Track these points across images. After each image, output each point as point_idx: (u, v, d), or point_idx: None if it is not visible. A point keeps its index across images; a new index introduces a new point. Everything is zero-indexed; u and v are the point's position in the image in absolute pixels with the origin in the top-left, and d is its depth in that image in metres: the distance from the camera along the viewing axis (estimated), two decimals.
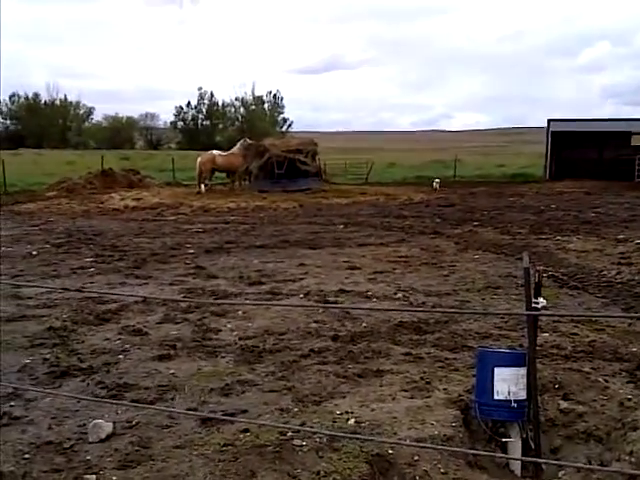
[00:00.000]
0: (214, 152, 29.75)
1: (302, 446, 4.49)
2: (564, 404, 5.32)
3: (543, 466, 4.73)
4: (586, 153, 37.90)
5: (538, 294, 4.66)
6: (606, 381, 5.62)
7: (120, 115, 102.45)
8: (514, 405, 4.72)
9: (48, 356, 6.56)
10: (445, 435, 4.75)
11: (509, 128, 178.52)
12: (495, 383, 4.74)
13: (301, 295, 9.14)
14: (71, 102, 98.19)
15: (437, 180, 31.79)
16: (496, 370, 4.75)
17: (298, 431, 4.64)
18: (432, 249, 13.03)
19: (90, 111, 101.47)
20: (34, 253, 12.89)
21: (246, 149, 28.94)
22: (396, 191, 28.12)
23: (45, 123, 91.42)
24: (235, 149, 29.23)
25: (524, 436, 4.85)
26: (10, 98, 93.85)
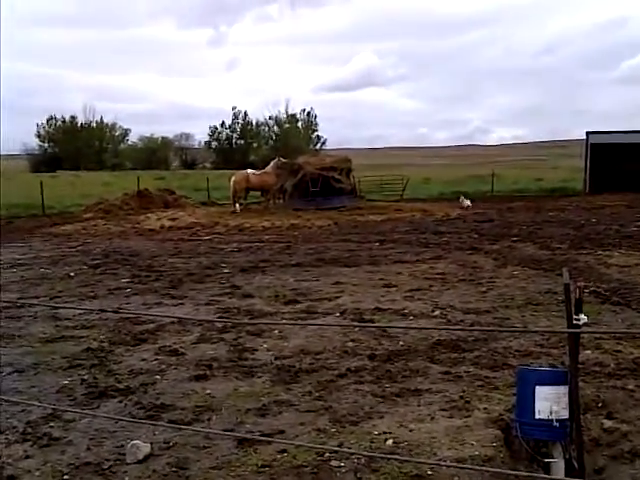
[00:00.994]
0: (248, 171, 29.89)
1: (340, 467, 4.44)
2: (608, 423, 5.19)
3: None
4: (626, 165, 37.25)
5: (579, 310, 4.55)
6: None
7: (155, 136, 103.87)
8: (556, 424, 4.60)
9: (86, 377, 6.61)
10: (486, 455, 4.66)
11: (547, 141, 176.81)
12: (536, 402, 4.63)
13: (337, 314, 9.09)
14: (107, 124, 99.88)
15: (464, 199, 29.61)
16: (537, 389, 4.64)
17: (336, 452, 4.59)
18: (470, 265, 12.90)
19: (126, 133, 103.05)
20: (72, 274, 13.05)
21: (279, 168, 29.03)
22: (432, 207, 27.94)
23: (82, 145, 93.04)
24: (268, 168, 29.35)
25: (567, 456, 4.73)
26: (48, 121, 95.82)
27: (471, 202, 29.27)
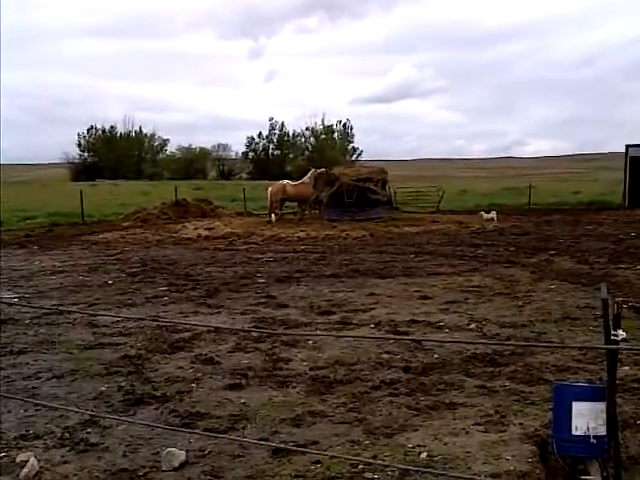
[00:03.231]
0: (284, 182, 30.05)
1: (374, 479, 4.44)
2: None
3: None
4: None
5: (617, 326, 4.50)
6: None
7: (193, 146, 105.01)
8: (593, 441, 4.53)
9: (123, 384, 6.69)
10: (521, 471, 4.61)
11: (586, 154, 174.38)
12: (573, 418, 4.57)
13: (372, 325, 9.08)
14: (146, 134, 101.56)
15: (484, 213, 26.56)
16: (574, 405, 4.58)
17: (370, 464, 4.59)
18: (506, 278, 12.78)
19: (164, 142, 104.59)
20: (110, 282, 13.24)
21: (316, 179, 29.14)
22: (468, 219, 27.75)
23: (121, 155, 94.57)
24: (305, 178, 29.45)
25: (604, 474, 4.66)
26: (88, 131, 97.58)
27: (496, 215, 26.26)
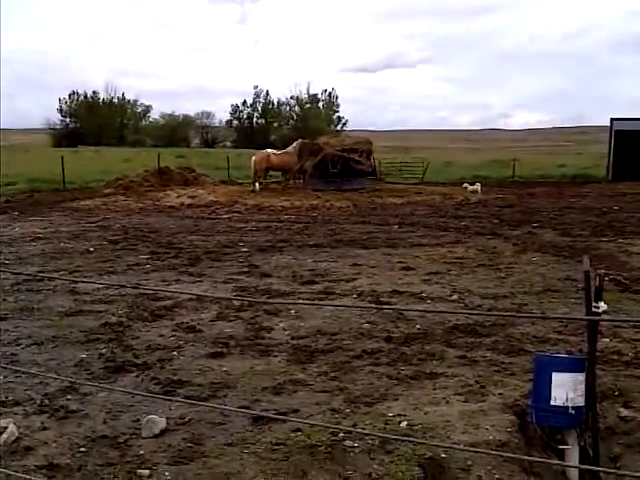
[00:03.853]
0: (268, 151, 29.87)
1: (354, 447, 4.45)
2: (624, 412, 5.16)
3: (601, 475, 4.59)
4: None
5: (599, 298, 4.52)
6: None
7: (177, 113, 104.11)
8: (572, 412, 4.58)
9: (104, 351, 6.66)
10: (500, 440, 4.65)
11: (571, 127, 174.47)
12: (553, 389, 4.61)
13: (354, 295, 9.08)
14: (129, 100, 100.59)
15: (470, 185, 27.04)
16: (554, 375, 4.62)
17: (350, 432, 4.60)
18: (489, 250, 12.82)
19: (147, 109, 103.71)
20: (91, 249, 13.14)
21: (300, 149, 28.97)
22: (452, 191, 27.77)
23: (103, 121, 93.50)
24: (290, 148, 29.29)
25: (582, 444, 4.72)
26: (69, 97, 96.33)
27: (481, 187, 26.77)
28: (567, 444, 4.73)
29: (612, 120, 38.00)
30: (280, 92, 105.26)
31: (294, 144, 29.37)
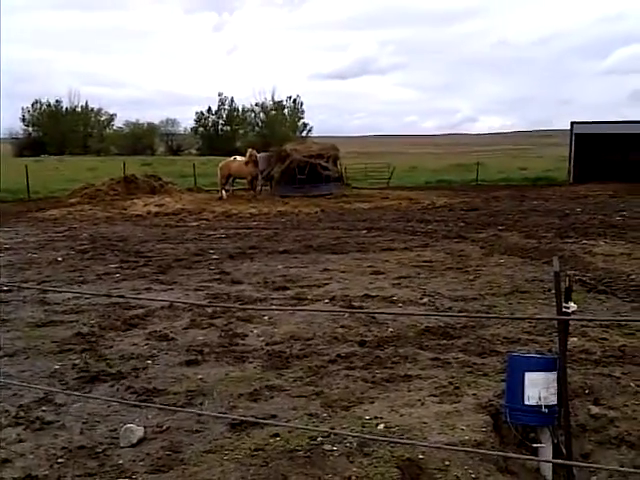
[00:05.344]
0: (236, 158, 29.79)
1: (333, 451, 4.50)
2: (595, 409, 5.28)
3: (574, 471, 4.70)
4: (610, 156, 37.50)
5: (569, 299, 4.63)
6: (638, 386, 5.57)
7: (141, 122, 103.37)
8: (545, 410, 4.68)
9: (77, 361, 6.62)
10: (475, 440, 4.73)
11: (534, 131, 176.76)
12: (526, 388, 4.71)
13: (326, 300, 9.14)
14: (92, 109, 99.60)
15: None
16: (527, 375, 4.72)
17: (328, 435, 4.65)
18: (457, 253, 12.97)
19: (112, 118, 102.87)
20: (59, 259, 13.00)
21: (250, 156, 28.69)
22: (418, 195, 28.01)
23: (66, 130, 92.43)
24: (244, 158, 29.12)
25: (555, 441, 4.82)
26: (32, 105, 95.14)
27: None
28: (541, 442, 4.83)
29: (572, 124, 38.63)
30: (247, 100, 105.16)
31: (247, 153, 29.21)
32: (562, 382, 4.70)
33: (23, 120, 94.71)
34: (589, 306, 8.52)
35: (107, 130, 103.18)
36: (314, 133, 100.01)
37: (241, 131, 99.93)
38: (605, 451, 4.97)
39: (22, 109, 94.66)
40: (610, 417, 5.15)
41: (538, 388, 4.67)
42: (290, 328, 7.68)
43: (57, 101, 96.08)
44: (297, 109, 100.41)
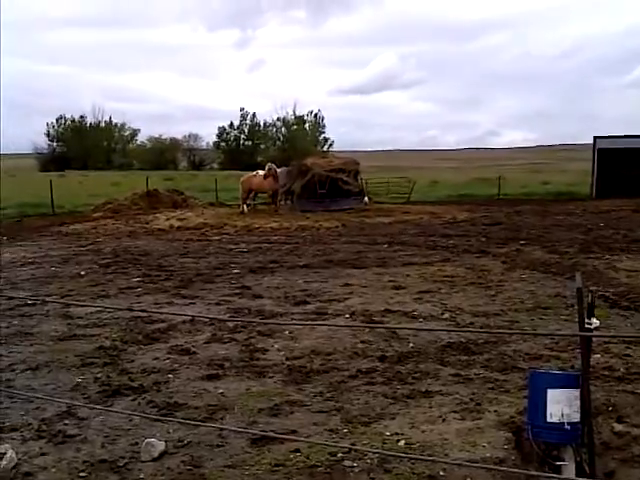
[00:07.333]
0: (258, 172, 29.93)
1: (353, 467, 4.49)
2: (618, 427, 5.22)
3: None
4: (633, 170, 37.15)
5: (591, 314, 4.59)
6: None
7: (164, 137, 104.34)
8: (567, 427, 4.63)
9: (99, 375, 6.67)
10: (497, 457, 4.71)
11: (556, 145, 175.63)
12: (548, 405, 4.66)
13: (347, 315, 9.13)
14: (116, 124, 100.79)
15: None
16: (549, 392, 4.67)
17: (349, 452, 4.64)
18: (478, 268, 12.91)
19: (135, 133, 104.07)
20: (82, 273, 13.13)
21: (269, 170, 28.83)
22: (440, 210, 27.93)
23: (90, 145, 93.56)
24: (263, 172, 29.25)
25: (578, 459, 4.76)
26: (57, 121, 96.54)
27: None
28: (563, 460, 4.77)
29: (595, 138, 38.38)
30: (269, 114, 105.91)
31: (266, 167, 29.36)
32: (585, 399, 4.65)
33: (48, 135, 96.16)
34: (612, 322, 8.43)
35: (130, 145, 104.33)
36: (335, 147, 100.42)
37: (262, 146, 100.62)
38: (629, 469, 4.89)
39: (47, 124, 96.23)
40: (634, 435, 5.08)
41: (560, 405, 4.62)
42: (311, 343, 7.69)
43: (81, 116, 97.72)
44: (318, 123, 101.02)
